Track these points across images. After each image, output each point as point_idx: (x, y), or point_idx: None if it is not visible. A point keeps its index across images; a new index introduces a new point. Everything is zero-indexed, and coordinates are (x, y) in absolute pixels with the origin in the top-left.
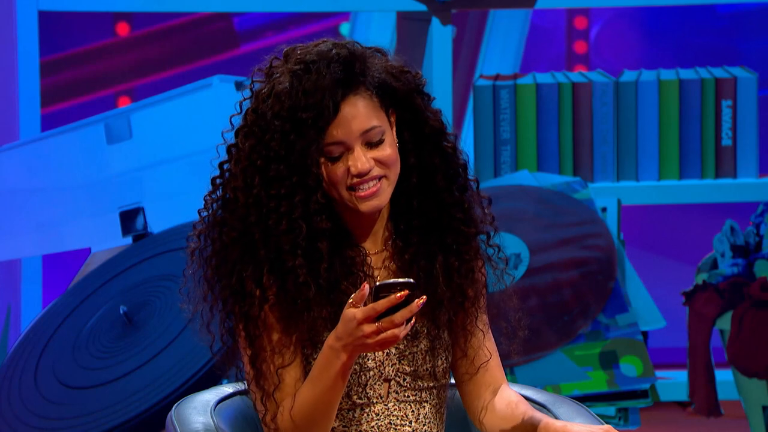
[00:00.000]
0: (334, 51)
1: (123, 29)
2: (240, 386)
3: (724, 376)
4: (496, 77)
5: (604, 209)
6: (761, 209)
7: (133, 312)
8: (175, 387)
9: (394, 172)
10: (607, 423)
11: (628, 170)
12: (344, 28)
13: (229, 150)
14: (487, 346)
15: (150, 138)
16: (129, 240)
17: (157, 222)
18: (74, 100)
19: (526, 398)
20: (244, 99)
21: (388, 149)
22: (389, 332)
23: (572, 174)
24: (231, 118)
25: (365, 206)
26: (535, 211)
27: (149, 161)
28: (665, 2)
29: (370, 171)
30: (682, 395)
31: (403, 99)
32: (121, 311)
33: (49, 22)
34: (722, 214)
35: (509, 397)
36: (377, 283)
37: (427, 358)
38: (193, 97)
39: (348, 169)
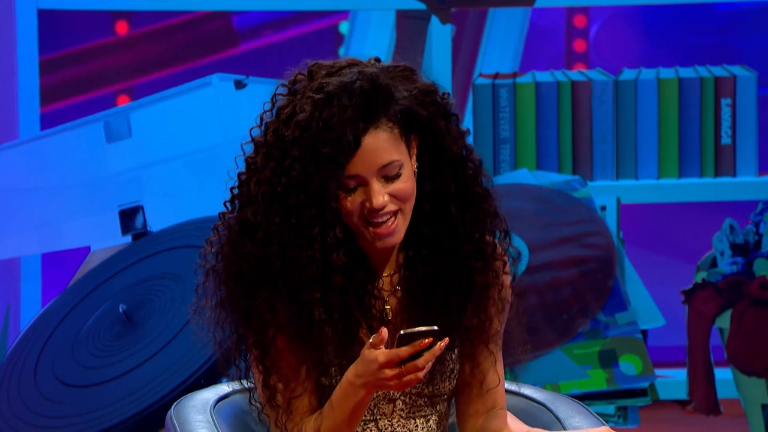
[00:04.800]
0: (357, 84)
1: (122, 28)
2: (239, 385)
3: (723, 374)
4: (496, 76)
5: (603, 208)
6: (760, 208)
7: (133, 311)
8: (174, 385)
9: (410, 206)
10: (606, 422)
11: (627, 169)
12: (344, 27)
13: (248, 163)
14: (491, 375)
15: (149, 136)
16: (128, 238)
17: (157, 220)
18: (73, 98)
19: (526, 396)
20: (266, 111)
21: (404, 183)
22: (412, 375)
23: (571, 172)
24: (252, 130)
25: (381, 244)
26: (534, 209)
27: (149, 160)
28: (665, 1)
29: (385, 207)
30: (682, 394)
31: (426, 124)
32: (121, 310)
33: (48, 20)
34: (721, 212)
35: (506, 419)
36: (401, 332)
37: (433, 380)
38: (193, 96)
39: (363, 203)
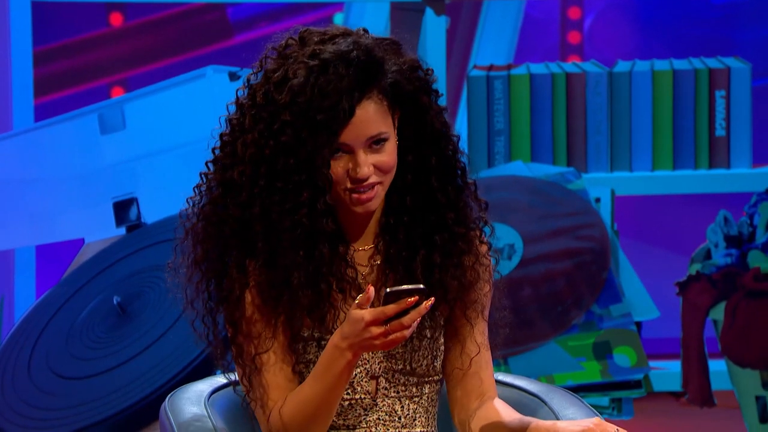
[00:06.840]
0: (354, 53)
1: (116, 19)
2: (234, 376)
3: (717, 366)
4: (490, 68)
5: (597, 200)
6: (755, 200)
7: (127, 302)
8: (168, 377)
9: (389, 178)
10: (600, 413)
11: (621, 161)
12: (338, 19)
13: (232, 124)
14: (477, 341)
15: (143, 128)
16: (122, 230)
17: (151, 212)
18: (68, 90)
19: (520, 388)
20: (254, 72)
21: (388, 156)
22: (398, 333)
23: (566, 164)
24: (237, 91)
25: (360, 209)
26: (528, 201)
27: (143, 152)
28: None
29: (369, 178)
30: (676, 385)
31: (411, 99)
32: (115, 302)
33: (42, 12)
34: (716, 204)
35: (497, 406)
36: (388, 290)
37: (413, 355)
38: (187, 88)
39: (348, 171)
